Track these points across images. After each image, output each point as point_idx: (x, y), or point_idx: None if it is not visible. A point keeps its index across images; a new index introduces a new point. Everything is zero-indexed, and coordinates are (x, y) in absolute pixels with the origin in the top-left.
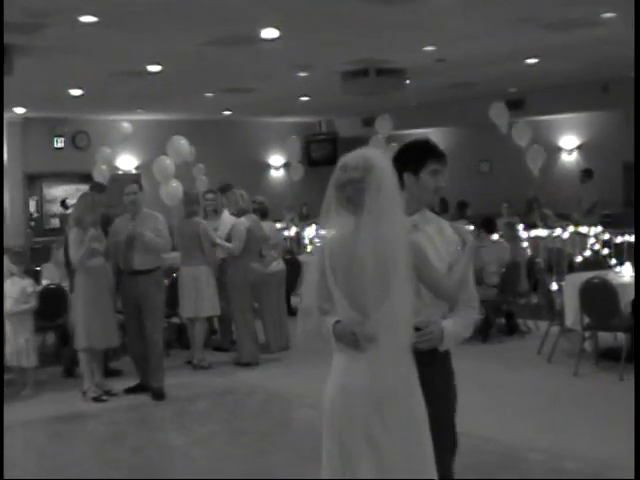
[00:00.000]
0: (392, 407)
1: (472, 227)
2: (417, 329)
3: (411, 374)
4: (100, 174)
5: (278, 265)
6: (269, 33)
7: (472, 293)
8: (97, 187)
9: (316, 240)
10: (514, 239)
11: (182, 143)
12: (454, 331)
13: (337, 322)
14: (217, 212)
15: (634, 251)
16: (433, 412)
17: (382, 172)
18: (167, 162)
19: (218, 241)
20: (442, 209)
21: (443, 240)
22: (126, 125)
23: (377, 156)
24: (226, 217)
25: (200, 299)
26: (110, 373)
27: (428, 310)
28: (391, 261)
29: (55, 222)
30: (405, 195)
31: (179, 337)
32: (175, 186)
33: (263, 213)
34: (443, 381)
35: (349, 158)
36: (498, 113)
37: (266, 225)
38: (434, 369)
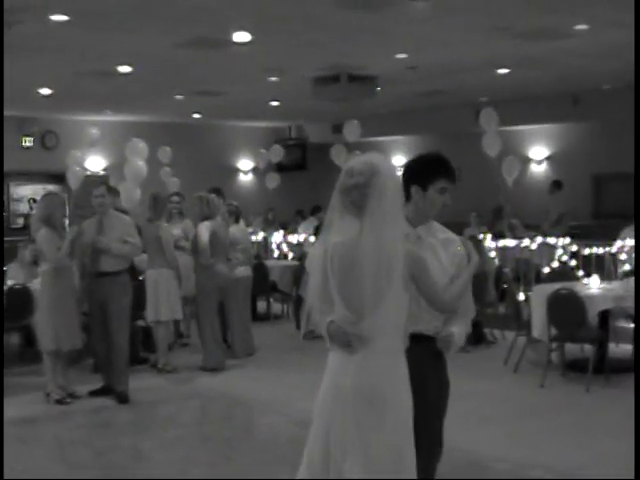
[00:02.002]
0: (380, 407)
1: None
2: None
3: (401, 377)
4: (73, 176)
5: (245, 271)
6: (241, 37)
7: (470, 306)
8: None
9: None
10: (479, 253)
11: (141, 146)
12: (461, 338)
13: (331, 322)
14: (182, 215)
15: (634, 255)
16: (424, 417)
17: (386, 178)
18: (139, 163)
19: (181, 244)
20: None
21: (447, 252)
22: (94, 131)
23: (382, 162)
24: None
25: (160, 303)
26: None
27: (428, 317)
28: (388, 267)
29: (21, 221)
30: (411, 207)
31: (144, 340)
32: (133, 189)
33: (236, 217)
34: (438, 387)
35: (355, 163)
36: (487, 119)
37: (237, 229)
38: (432, 375)
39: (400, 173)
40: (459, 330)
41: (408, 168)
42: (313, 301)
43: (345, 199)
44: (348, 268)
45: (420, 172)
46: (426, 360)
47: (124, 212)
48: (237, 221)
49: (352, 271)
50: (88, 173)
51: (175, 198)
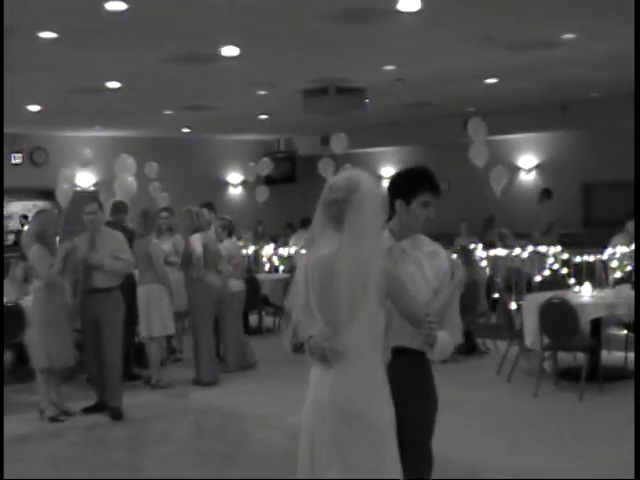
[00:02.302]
0: (356, 422)
1: None
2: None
3: (378, 392)
4: (63, 193)
5: (240, 285)
6: (229, 51)
7: (456, 323)
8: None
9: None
10: (469, 263)
11: (129, 162)
12: (446, 343)
13: (311, 337)
14: (172, 230)
15: (634, 262)
16: (409, 432)
17: (366, 194)
18: (129, 179)
19: (172, 259)
20: None
21: (432, 266)
22: (87, 151)
23: (363, 178)
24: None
25: (152, 319)
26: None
27: (411, 331)
28: (364, 282)
29: (12, 238)
30: (396, 221)
31: (137, 356)
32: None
33: (229, 231)
34: (423, 402)
35: (337, 179)
36: (475, 129)
37: (231, 243)
38: (416, 389)
39: (385, 187)
40: (444, 336)
41: (392, 182)
42: (297, 315)
43: (327, 213)
44: (326, 282)
45: (403, 186)
46: (410, 374)
47: (131, 231)
48: (230, 235)
49: (330, 285)
50: (78, 189)
51: (164, 214)
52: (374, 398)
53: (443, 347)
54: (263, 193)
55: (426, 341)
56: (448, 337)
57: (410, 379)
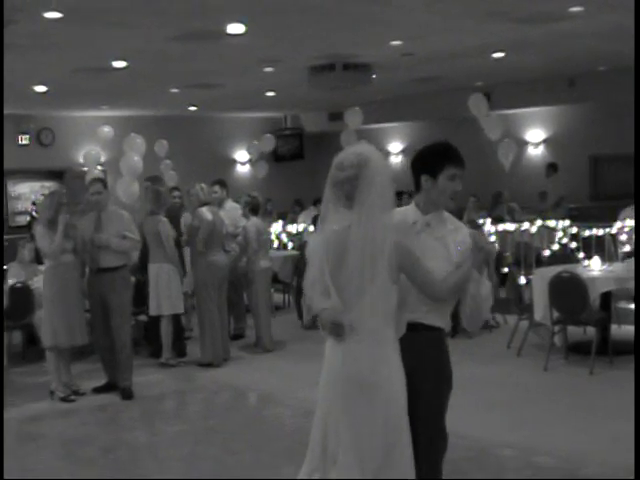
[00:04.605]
0: (368, 394)
1: None
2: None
3: (389, 365)
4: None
5: (267, 263)
6: (235, 28)
7: (484, 296)
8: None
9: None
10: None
11: (138, 142)
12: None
13: (324, 310)
14: (182, 208)
15: (634, 239)
16: (423, 408)
17: (375, 169)
18: (135, 159)
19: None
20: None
21: (455, 241)
22: (107, 129)
23: (371, 154)
24: (229, 206)
25: (161, 297)
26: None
27: (424, 307)
28: (374, 257)
29: (20, 219)
30: (422, 197)
31: (146, 335)
32: (132, 183)
33: (254, 208)
34: (436, 378)
35: (345, 156)
36: (476, 104)
37: (257, 222)
38: (429, 365)
39: (410, 162)
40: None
41: (417, 158)
42: (309, 290)
43: (337, 192)
44: (340, 257)
45: (429, 161)
46: (424, 350)
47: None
48: (255, 212)
49: (343, 260)
50: (85, 169)
51: (176, 193)
52: (386, 371)
53: (478, 290)
54: (262, 169)
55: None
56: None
57: (424, 355)
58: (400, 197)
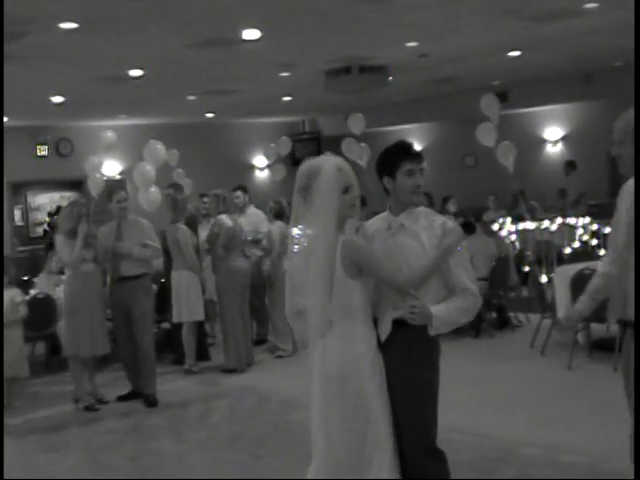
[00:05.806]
0: (340, 387)
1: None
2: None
3: (362, 358)
4: (94, 183)
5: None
6: (250, 34)
7: (463, 282)
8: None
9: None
10: (491, 235)
11: (159, 148)
12: (446, 316)
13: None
14: (209, 216)
15: (634, 243)
16: (406, 397)
17: (322, 178)
18: (147, 167)
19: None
20: (429, 204)
21: (429, 236)
22: (110, 134)
23: (325, 164)
24: (251, 211)
25: (182, 304)
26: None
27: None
28: (326, 259)
29: (40, 230)
30: (391, 199)
31: (169, 342)
32: (154, 192)
33: (278, 213)
34: (425, 370)
35: (303, 166)
36: (489, 104)
37: (282, 226)
38: (419, 357)
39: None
40: (446, 308)
41: (376, 163)
42: (291, 293)
43: (298, 197)
44: (306, 259)
45: (385, 162)
46: (408, 345)
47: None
48: (280, 217)
49: (308, 262)
50: (105, 178)
51: (207, 199)
52: (357, 365)
53: (443, 321)
54: (279, 171)
55: (410, 315)
56: (446, 309)
57: (412, 349)
58: (431, 200)
